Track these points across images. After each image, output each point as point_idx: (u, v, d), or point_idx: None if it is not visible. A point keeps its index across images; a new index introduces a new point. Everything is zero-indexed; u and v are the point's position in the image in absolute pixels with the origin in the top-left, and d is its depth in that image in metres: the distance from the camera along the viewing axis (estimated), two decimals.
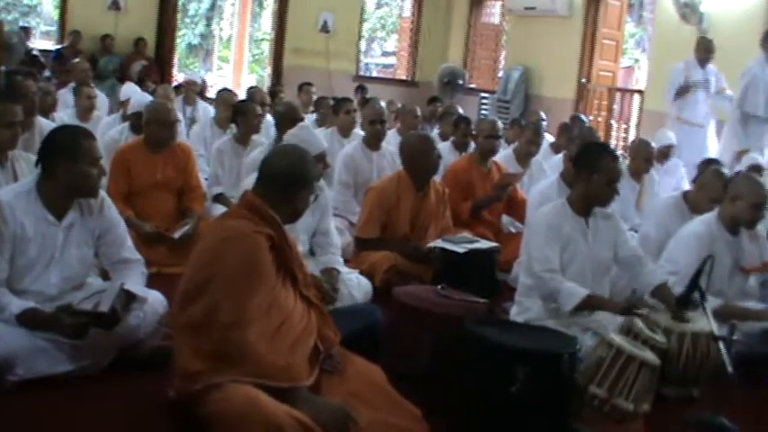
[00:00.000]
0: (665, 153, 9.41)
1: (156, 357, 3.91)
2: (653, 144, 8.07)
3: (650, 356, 3.82)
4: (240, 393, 2.99)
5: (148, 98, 7.56)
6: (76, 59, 11.31)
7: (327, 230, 5.35)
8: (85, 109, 8.14)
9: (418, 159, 5.96)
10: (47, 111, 7.25)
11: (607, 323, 4.40)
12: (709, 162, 7.51)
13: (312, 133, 5.33)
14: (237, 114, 7.39)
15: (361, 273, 5.42)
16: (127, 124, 7.26)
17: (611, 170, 4.62)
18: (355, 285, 5.15)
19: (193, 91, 10.70)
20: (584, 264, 4.65)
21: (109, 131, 7.41)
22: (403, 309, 4.12)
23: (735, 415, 4.07)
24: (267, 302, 3.25)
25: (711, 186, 5.76)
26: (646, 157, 7.69)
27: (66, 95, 9.02)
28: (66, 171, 3.87)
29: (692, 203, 5.86)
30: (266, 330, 3.19)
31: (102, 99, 9.80)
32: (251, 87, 11.64)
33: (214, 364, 3.10)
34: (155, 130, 6.06)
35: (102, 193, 4.20)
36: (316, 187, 3.68)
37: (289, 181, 3.47)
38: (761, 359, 4.68)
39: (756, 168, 8.67)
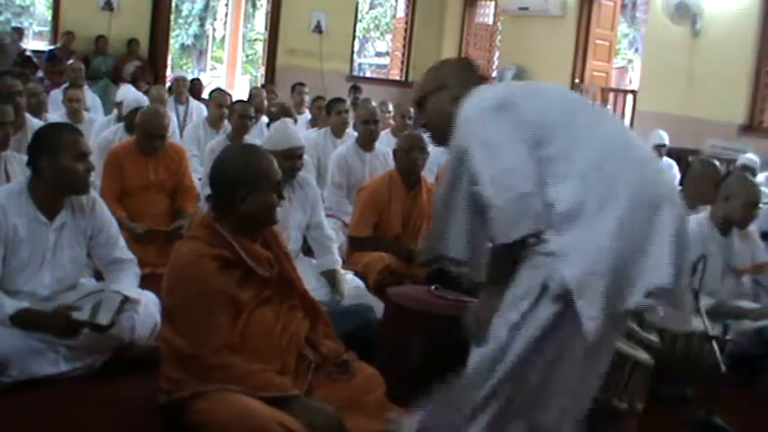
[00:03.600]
0: (658, 153, 9.48)
1: (149, 358, 3.90)
2: (650, 144, 8.15)
3: (644, 356, 3.83)
4: (228, 402, 2.98)
5: (142, 96, 7.55)
6: (71, 61, 11.30)
7: (320, 223, 5.40)
8: (72, 111, 8.11)
9: (400, 156, 6.00)
10: (36, 112, 7.25)
11: None
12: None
13: (289, 128, 5.34)
14: (231, 114, 7.45)
15: (356, 274, 5.43)
16: (122, 125, 7.24)
17: None
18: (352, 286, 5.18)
19: (183, 87, 10.68)
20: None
21: (103, 132, 7.39)
22: (397, 309, 4.11)
23: (728, 414, 4.08)
24: (239, 326, 3.23)
25: (701, 174, 5.78)
26: None
27: (58, 96, 9.00)
28: (48, 166, 3.86)
29: (688, 199, 5.86)
30: (240, 353, 3.18)
31: (94, 100, 9.79)
32: (253, 88, 11.70)
33: (196, 378, 3.11)
34: (144, 139, 6.05)
35: (94, 193, 4.19)
36: (275, 187, 3.44)
37: (232, 187, 3.33)
38: (754, 358, 4.69)
39: (748, 169, 8.72)
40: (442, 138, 3.12)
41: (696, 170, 5.94)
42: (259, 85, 15.18)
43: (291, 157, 5.09)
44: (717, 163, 6.07)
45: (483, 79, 3.26)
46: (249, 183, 3.32)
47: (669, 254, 2.71)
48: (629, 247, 2.71)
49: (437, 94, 3.18)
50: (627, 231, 2.72)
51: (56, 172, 3.88)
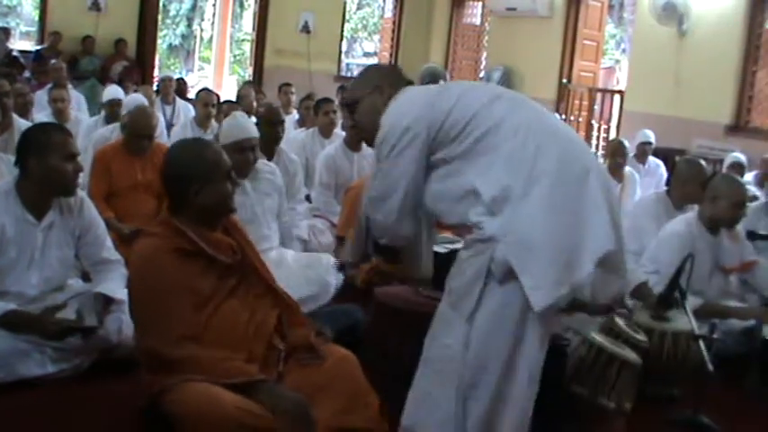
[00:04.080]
0: (644, 151, 9.51)
1: (136, 358, 3.89)
2: (637, 142, 8.20)
3: (631, 356, 3.84)
4: (195, 391, 2.97)
5: (141, 98, 7.53)
6: (53, 60, 11.26)
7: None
8: (57, 111, 8.08)
9: None
10: (23, 112, 7.22)
11: (588, 322, 4.41)
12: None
13: (241, 120, 5.36)
14: (218, 114, 7.46)
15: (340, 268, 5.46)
16: (119, 124, 7.21)
17: None
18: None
19: (170, 87, 10.66)
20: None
21: (99, 130, 7.36)
22: (384, 309, 4.11)
23: (715, 413, 4.10)
24: (201, 318, 3.21)
25: (688, 174, 5.80)
26: (620, 153, 7.96)
27: (43, 96, 8.98)
28: (37, 166, 3.85)
29: (675, 199, 5.89)
30: (204, 344, 3.16)
31: (80, 100, 9.76)
32: (242, 87, 11.72)
33: (164, 372, 3.11)
34: (132, 139, 6.03)
35: (82, 193, 4.19)
36: (227, 174, 3.41)
37: (185, 182, 3.32)
38: (741, 358, 4.71)
39: (738, 167, 8.75)
40: (373, 138, 3.22)
41: (682, 170, 5.95)
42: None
43: (243, 150, 5.05)
44: (703, 163, 6.09)
45: (409, 82, 3.40)
46: (201, 176, 3.32)
47: (608, 219, 2.89)
48: (565, 219, 2.87)
49: (370, 96, 3.32)
50: (559, 205, 2.88)
51: (45, 172, 3.86)
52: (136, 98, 7.20)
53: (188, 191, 3.31)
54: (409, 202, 3.12)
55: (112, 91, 8.24)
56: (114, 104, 7.87)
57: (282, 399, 3.05)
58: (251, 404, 2.98)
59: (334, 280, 5.14)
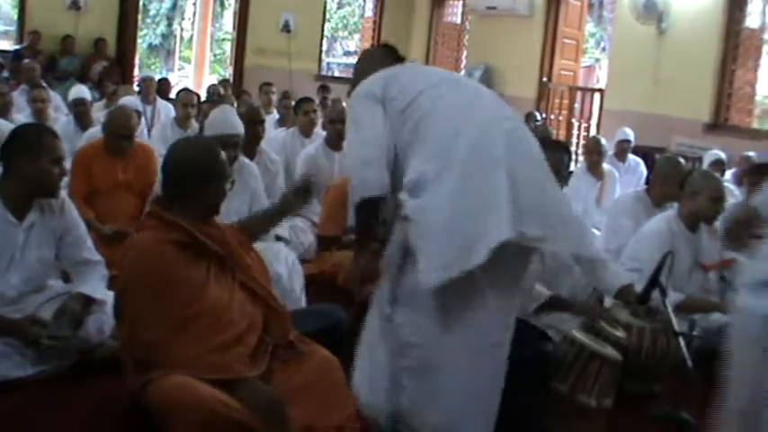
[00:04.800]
0: (623, 149, 9.57)
1: (118, 358, 3.88)
2: (616, 140, 8.25)
3: (612, 353, 3.86)
4: (172, 382, 2.99)
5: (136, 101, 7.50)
6: (26, 60, 11.20)
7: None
8: (36, 111, 8.05)
9: None
10: (3, 112, 7.19)
11: (569, 320, 4.42)
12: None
13: (229, 114, 5.34)
14: (199, 113, 7.44)
15: (324, 273, 5.43)
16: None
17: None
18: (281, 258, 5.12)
19: (150, 87, 10.64)
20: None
21: (91, 130, 7.32)
22: (366, 309, 4.11)
23: (695, 409, 4.11)
24: (194, 308, 3.23)
25: (667, 172, 5.84)
26: (597, 151, 8.02)
27: (17, 97, 8.93)
28: (28, 168, 3.84)
29: (654, 197, 5.92)
30: (195, 335, 3.18)
31: (58, 100, 9.71)
32: (211, 86, 11.74)
33: (149, 367, 3.11)
34: (112, 139, 6.01)
35: (63, 194, 4.17)
36: (228, 175, 3.53)
37: (190, 179, 3.38)
38: (720, 354, 4.73)
39: (718, 164, 8.80)
40: None
41: (662, 168, 5.99)
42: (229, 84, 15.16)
43: (226, 145, 5.03)
44: (682, 160, 6.12)
45: (399, 59, 3.66)
46: (208, 173, 3.40)
47: (508, 211, 3.04)
48: (467, 206, 3.07)
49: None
50: (464, 192, 3.08)
51: (35, 173, 3.86)
52: (128, 101, 7.20)
53: (193, 187, 3.37)
54: (380, 153, 3.27)
55: (77, 90, 8.21)
56: (79, 104, 7.85)
57: (258, 396, 3.07)
58: (230, 399, 2.99)
59: (285, 269, 5.04)
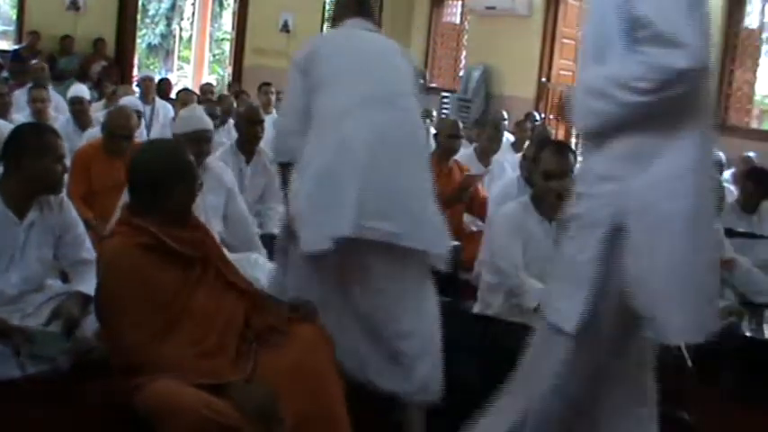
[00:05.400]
0: None
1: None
2: None
3: None
4: (160, 388, 2.96)
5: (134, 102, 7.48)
6: (35, 60, 11.20)
7: (240, 218, 5.41)
8: (37, 111, 8.04)
9: None
10: (1, 112, 7.19)
11: None
12: None
13: (199, 111, 5.44)
14: None
15: None
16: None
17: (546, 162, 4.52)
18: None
19: (150, 87, 10.64)
20: (546, 263, 4.65)
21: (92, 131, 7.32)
22: None
23: (693, 409, 4.12)
24: (174, 311, 3.20)
25: None
26: None
27: (22, 97, 8.94)
28: (32, 167, 3.84)
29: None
30: (177, 340, 3.16)
31: (58, 100, 9.71)
32: (205, 84, 11.75)
33: (133, 372, 3.10)
34: (110, 139, 6.01)
35: (62, 192, 4.17)
36: (196, 176, 3.43)
37: (155, 185, 3.30)
38: (718, 354, 4.74)
39: (716, 164, 8.78)
40: None
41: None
42: (226, 84, 15.15)
43: (198, 140, 5.09)
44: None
45: (365, 13, 3.96)
46: (173, 179, 3.32)
47: (354, 205, 3.37)
48: (325, 193, 3.43)
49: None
50: (323, 178, 3.45)
51: (40, 173, 3.87)
52: (129, 101, 7.20)
53: (158, 192, 3.30)
54: (293, 124, 3.73)
55: (74, 89, 8.20)
56: (76, 102, 7.84)
57: (250, 397, 3.03)
58: (218, 403, 2.96)
59: (264, 276, 5.01)
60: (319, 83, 3.67)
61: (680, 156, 2.73)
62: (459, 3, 16.77)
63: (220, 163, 5.61)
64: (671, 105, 2.69)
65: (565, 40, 14.59)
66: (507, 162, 7.98)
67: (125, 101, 7.51)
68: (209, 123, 5.28)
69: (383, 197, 3.42)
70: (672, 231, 2.69)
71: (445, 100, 15.77)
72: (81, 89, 8.22)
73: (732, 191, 7.64)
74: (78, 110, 7.88)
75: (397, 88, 3.73)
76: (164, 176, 3.30)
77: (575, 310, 2.84)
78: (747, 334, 4.74)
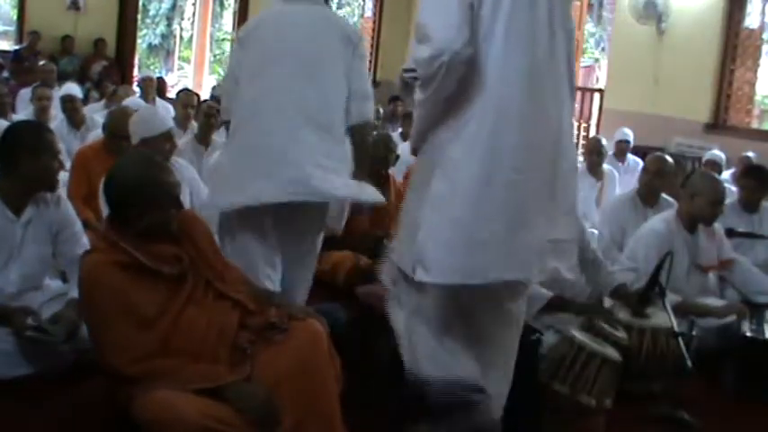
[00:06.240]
0: (622, 149, 9.58)
1: None
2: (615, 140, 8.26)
3: (612, 353, 3.86)
4: (156, 399, 2.92)
5: (140, 101, 7.53)
6: (42, 62, 11.21)
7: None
8: (40, 110, 8.04)
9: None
10: (2, 112, 7.19)
11: (569, 321, 4.43)
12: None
13: (151, 114, 5.45)
14: (197, 113, 7.51)
15: (324, 273, 5.41)
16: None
17: None
18: None
19: (150, 87, 10.63)
20: None
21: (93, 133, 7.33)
22: (365, 309, 4.12)
23: (694, 409, 4.12)
24: (161, 328, 3.15)
25: (654, 168, 5.90)
26: (597, 151, 8.02)
27: (25, 96, 8.93)
28: (30, 165, 3.84)
29: (644, 197, 5.95)
30: (165, 354, 3.13)
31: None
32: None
33: (126, 384, 3.08)
34: (111, 139, 6.00)
35: (60, 191, 4.18)
36: (175, 195, 3.34)
37: (126, 205, 3.23)
38: (719, 354, 4.74)
39: (714, 164, 8.79)
40: None
41: (651, 165, 6.05)
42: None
43: (166, 140, 5.15)
44: (668, 157, 6.15)
45: None
46: (146, 201, 3.21)
47: (250, 178, 3.91)
48: (238, 168, 4.00)
49: None
50: (245, 150, 4.01)
51: (38, 171, 3.88)
52: (131, 102, 7.20)
53: (131, 213, 3.23)
54: (231, 84, 4.17)
55: (66, 87, 8.19)
56: (67, 100, 7.84)
57: (248, 398, 3.03)
58: (216, 408, 2.95)
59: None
60: (247, 65, 4.08)
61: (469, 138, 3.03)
62: None
63: (180, 159, 5.67)
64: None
65: None
66: None
67: (128, 101, 7.49)
68: (170, 121, 5.38)
69: (283, 171, 3.89)
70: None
71: None
72: (72, 87, 8.18)
73: (732, 191, 7.63)
74: (70, 108, 7.85)
75: (317, 68, 4.04)
76: (134, 200, 3.21)
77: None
78: (747, 334, 4.73)
